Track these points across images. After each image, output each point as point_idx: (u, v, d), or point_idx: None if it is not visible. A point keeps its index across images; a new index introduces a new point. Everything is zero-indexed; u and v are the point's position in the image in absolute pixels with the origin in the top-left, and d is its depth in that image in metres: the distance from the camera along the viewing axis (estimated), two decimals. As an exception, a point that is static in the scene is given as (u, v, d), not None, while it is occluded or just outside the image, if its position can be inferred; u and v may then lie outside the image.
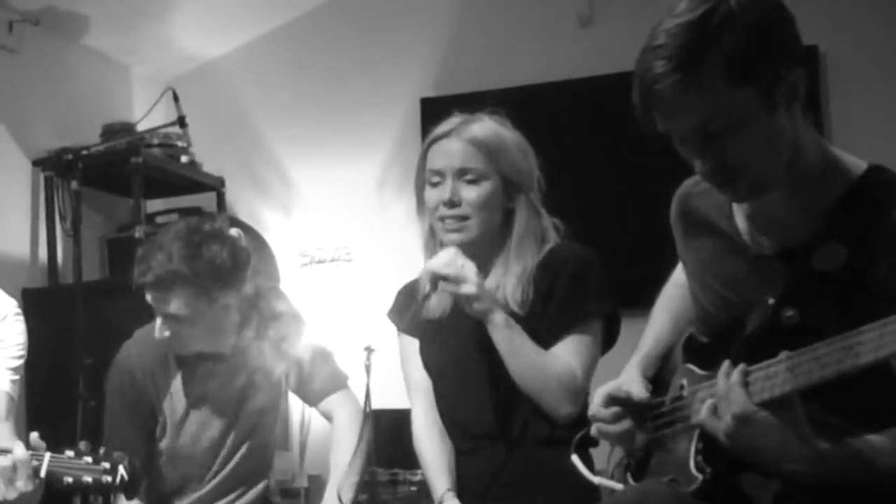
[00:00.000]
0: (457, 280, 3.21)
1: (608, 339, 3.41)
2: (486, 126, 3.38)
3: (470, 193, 3.32)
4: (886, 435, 2.25)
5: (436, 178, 3.36)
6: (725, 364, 2.34)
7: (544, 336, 3.32)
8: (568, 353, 3.29)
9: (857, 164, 2.44)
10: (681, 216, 2.72)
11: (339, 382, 3.95)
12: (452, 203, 3.32)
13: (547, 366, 3.26)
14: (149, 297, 3.62)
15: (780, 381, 2.20)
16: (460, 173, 3.33)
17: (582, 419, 3.27)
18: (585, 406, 3.35)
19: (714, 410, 2.34)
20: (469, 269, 3.22)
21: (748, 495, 2.47)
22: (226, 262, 3.61)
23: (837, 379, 2.09)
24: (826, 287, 2.32)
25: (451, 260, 3.24)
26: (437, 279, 3.24)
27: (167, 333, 3.67)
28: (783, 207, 2.43)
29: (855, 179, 2.40)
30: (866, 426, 2.27)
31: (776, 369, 2.22)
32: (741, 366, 2.30)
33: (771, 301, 2.40)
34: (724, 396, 2.30)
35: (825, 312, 2.27)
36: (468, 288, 3.21)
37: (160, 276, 3.55)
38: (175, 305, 3.59)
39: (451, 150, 3.35)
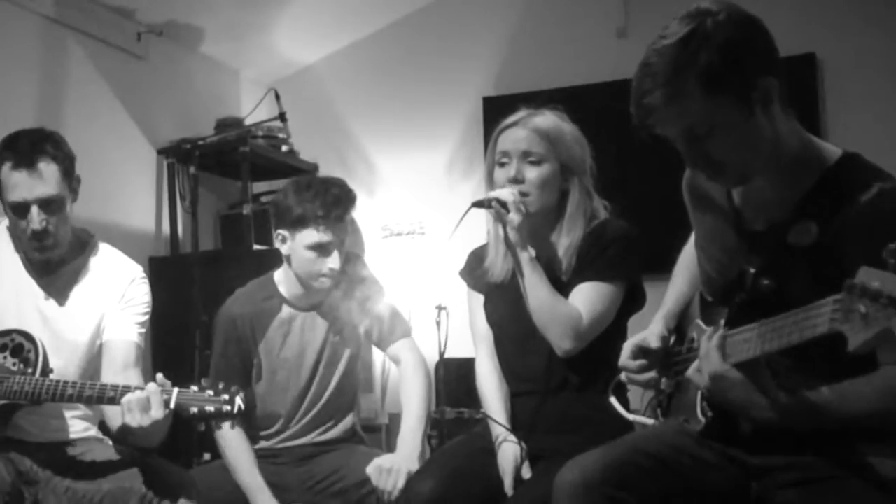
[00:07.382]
0: (508, 207, 3.26)
1: (634, 305, 3.41)
2: (547, 118, 3.41)
3: (532, 173, 3.34)
4: (832, 388, 2.27)
5: (504, 160, 3.38)
6: (709, 329, 2.42)
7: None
8: (579, 299, 3.29)
9: (834, 151, 2.44)
10: (688, 192, 2.75)
11: (406, 332, 4.02)
12: (517, 180, 3.33)
13: (557, 304, 3.27)
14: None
15: (752, 346, 2.27)
16: (524, 155, 3.35)
17: (603, 365, 3.31)
18: (613, 352, 3.37)
19: (699, 368, 2.40)
20: (522, 207, 3.28)
21: (743, 433, 2.52)
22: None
23: (794, 346, 2.14)
24: (799, 260, 2.35)
25: (512, 192, 3.30)
26: (493, 199, 3.29)
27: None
28: (768, 189, 2.45)
29: (830, 165, 2.40)
30: (836, 374, 2.28)
31: (749, 335, 2.29)
32: (721, 331, 2.37)
33: (752, 271, 2.43)
34: (704, 356, 2.38)
35: (797, 282, 2.30)
36: (514, 217, 3.25)
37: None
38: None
39: (518, 136, 3.37)
